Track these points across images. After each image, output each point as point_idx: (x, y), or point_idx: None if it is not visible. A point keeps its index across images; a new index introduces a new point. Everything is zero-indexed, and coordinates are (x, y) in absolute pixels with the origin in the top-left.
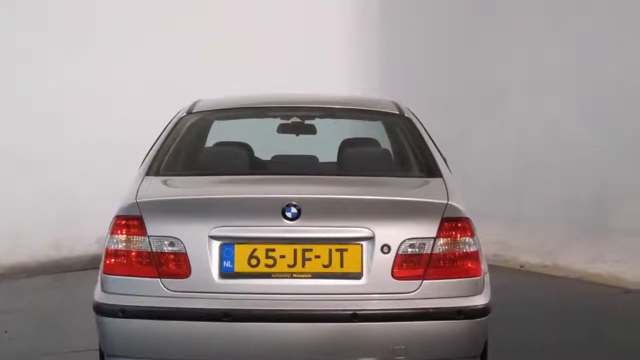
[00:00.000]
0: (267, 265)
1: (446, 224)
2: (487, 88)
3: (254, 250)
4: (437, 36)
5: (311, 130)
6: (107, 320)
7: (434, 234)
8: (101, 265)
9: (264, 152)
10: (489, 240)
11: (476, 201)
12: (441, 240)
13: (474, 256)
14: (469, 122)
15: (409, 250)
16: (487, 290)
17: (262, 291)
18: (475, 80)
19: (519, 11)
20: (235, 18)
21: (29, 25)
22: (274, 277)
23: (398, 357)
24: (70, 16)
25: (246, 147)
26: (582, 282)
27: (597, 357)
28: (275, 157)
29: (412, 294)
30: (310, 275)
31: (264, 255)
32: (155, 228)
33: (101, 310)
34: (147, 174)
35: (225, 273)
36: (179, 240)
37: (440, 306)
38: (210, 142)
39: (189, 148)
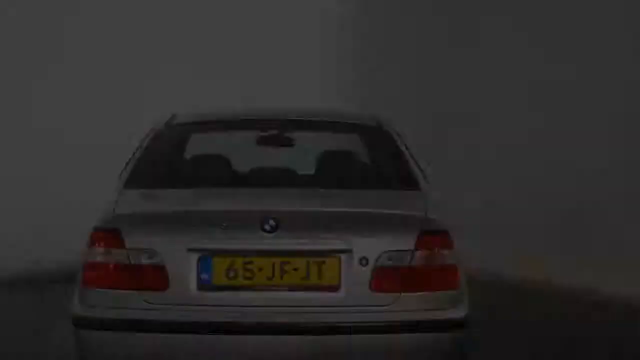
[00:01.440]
0: (245, 278)
1: (425, 236)
2: (465, 101)
3: (232, 262)
4: (416, 46)
5: (290, 142)
6: (85, 333)
7: (412, 247)
8: (79, 278)
9: (241, 165)
10: (467, 252)
11: (454, 213)
12: (419, 253)
13: (453, 269)
14: (447, 135)
15: (387, 262)
16: (465, 303)
17: (240, 304)
18: (454, 93)
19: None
20: (210, 27)
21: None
22: (252, 290)
23: None
24: (47, 26)
25: (224, 160)
26: (560, 295)
27: None
28: (253, 170)
29: (390, 306)
30: (288, 288)
31: (242, 268)
32: (134, 241)
33: (79, 323)
34: (125, 186)
35: (204, 285)
36: (158, 252)
37: (419, 319)
38: (188, 155)
39: (167, 161)
